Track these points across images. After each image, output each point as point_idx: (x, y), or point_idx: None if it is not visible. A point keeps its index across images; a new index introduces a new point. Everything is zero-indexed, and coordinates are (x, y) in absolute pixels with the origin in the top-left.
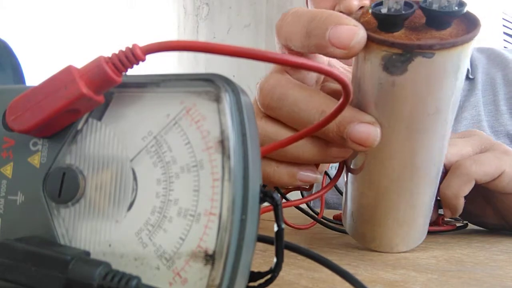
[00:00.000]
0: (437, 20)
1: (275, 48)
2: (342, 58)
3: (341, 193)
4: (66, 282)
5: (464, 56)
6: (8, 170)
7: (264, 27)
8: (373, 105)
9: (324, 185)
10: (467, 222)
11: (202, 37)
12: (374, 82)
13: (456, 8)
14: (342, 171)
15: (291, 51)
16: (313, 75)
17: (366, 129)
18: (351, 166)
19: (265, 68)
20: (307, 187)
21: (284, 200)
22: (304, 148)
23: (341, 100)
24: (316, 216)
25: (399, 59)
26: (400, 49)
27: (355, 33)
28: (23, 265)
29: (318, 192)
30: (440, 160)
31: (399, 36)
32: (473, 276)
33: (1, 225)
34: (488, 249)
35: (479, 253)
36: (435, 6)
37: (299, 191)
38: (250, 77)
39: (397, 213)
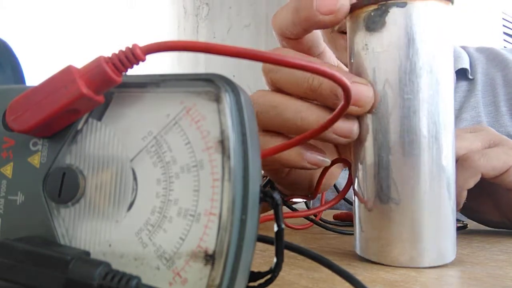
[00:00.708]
0: None
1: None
2: (332, 24)
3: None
4: (66, 282)
5: (438, 11)
6: (8, 170)
7: (264, 27)
8: (368, 73)
9: (324, 198)
10: (467, 222)
11: (202, 37)
12: (362, 47)
13: None
14: (350, 185)
15: (288, 39)
16: (318, 48)
17: (358, 87)
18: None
19: None
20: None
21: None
22: (305, 114)
23: (342, 103)
24: (314, 218)
25: (377, 14)
26: (375, 4)
27: None
28: (23, 265)
29: (327, 203)
30: (446, 142)
31: None
32: (473, 276)
33: (1, 225)
34: (488, 249)
35: (479, 253)
36: None
37: (302, 203)
38: (250, 77)
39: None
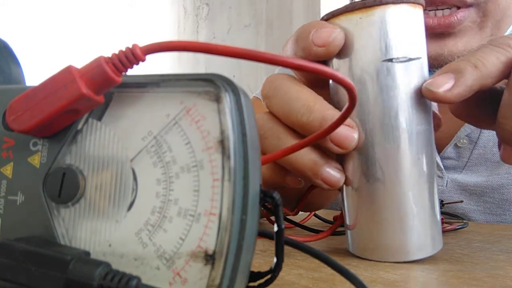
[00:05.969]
0: None
1: (274, 48)
2: (326, 56)
3: None
4: (66, 282)
5: (407, 15)
6: (8, 170)
7: (264, 27)
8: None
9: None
10: (467, 222)
11: (202, 37)
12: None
13: None
14: (339, 223)
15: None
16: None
17: (343, 130)
18: (347, 223)
19: (265, 69)
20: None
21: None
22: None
23: (347, 105)
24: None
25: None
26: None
27: (333, 31)
28: (23, 265)
29: (319, 234)
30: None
31: None
32: (473, 276)
33: (1, 225)
34: (488, 249)
35: (479, 253)
36: None
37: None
38: (250, 77)
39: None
